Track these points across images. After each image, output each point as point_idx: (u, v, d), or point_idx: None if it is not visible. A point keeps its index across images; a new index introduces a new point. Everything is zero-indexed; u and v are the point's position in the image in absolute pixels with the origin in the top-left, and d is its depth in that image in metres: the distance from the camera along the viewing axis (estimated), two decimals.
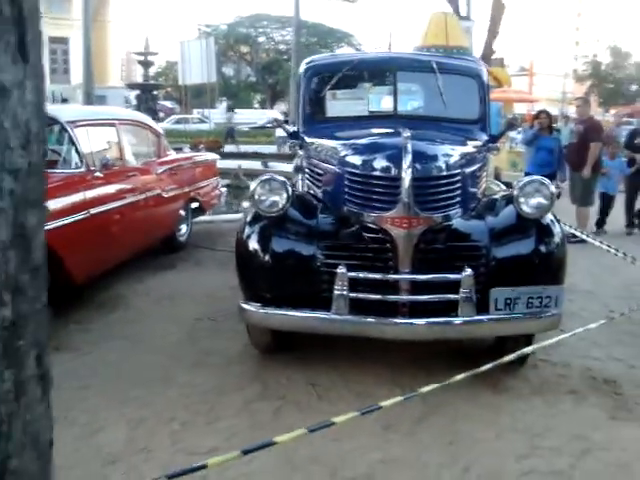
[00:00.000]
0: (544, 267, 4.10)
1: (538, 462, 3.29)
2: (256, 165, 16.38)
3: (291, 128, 5.71)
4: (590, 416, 3.83)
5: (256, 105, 56.00)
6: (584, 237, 6.50)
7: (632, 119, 22.51)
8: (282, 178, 4.30)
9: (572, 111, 22.62)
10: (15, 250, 1.24)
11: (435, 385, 2.98)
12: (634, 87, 34.20)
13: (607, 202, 10.04)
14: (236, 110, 33.70)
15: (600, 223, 9.96)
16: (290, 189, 4.22)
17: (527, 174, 9.20)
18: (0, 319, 1.23)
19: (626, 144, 10.49)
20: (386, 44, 38.50)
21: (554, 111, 14.29)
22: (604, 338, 4.96)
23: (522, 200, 4.16)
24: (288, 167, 10.86)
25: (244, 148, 21.83)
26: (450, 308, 3.93)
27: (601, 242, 5.92)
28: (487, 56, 18.92)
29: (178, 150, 10.23)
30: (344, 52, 46.78)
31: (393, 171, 4.06)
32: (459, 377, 3.06)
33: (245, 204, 4.28)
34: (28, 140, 1.25)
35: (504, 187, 5.38)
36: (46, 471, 1.43)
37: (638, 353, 4.84)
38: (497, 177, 10.54)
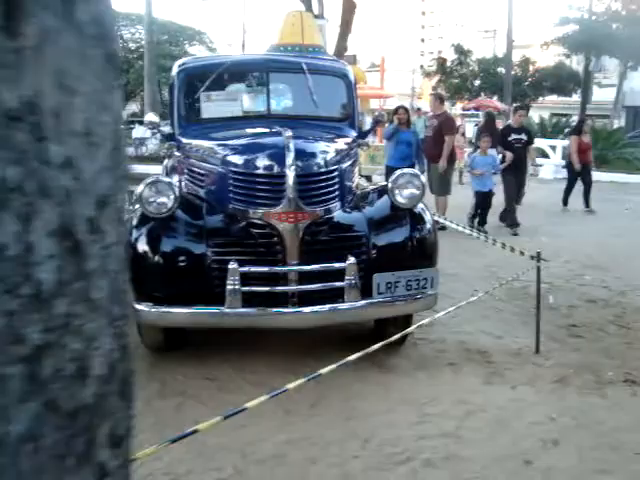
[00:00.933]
0: (419, 252, 4.45)
1: (429, 427, 3.64)
2: None
3: (166, 130, 5.74)
4: (468, 383, 4.24)
5: None
6: (447, 223, 6.98)
7: (478, 111, 23.88)
8: (168, 179, 4.37)
9: (425, 105, 23.61)
10: None
11: (332, 366, 3.20)
12: (477, 82, 36.22)
13: (484, 199, 9.88)
14: None
15: (481, 221, 9.89)
16: (177, 190, 4.30)
17: (388, 167, 9.64)
18: None
19: (500, 141, 10.40)
20: (240, 42, 38.48)
21: (405, 105, 14.75)
22: (472, 315, 5.45)
23: (396, 191, 4.48)
24: (148, 169, 10.78)
25: None
26: (337, 295, 4.19)
27: (463, 227, 6.38)
28: (340, 53, 19.45)
29: None
30: (199, 50, 46.27)
31: (277, 169, 4.25)
32: (350, 358, 3.31)
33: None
34: None
35: (367, 181, 5.71)
36: None
37: (502, 325, 5.36)
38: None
